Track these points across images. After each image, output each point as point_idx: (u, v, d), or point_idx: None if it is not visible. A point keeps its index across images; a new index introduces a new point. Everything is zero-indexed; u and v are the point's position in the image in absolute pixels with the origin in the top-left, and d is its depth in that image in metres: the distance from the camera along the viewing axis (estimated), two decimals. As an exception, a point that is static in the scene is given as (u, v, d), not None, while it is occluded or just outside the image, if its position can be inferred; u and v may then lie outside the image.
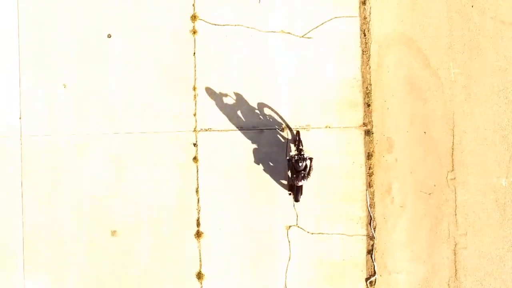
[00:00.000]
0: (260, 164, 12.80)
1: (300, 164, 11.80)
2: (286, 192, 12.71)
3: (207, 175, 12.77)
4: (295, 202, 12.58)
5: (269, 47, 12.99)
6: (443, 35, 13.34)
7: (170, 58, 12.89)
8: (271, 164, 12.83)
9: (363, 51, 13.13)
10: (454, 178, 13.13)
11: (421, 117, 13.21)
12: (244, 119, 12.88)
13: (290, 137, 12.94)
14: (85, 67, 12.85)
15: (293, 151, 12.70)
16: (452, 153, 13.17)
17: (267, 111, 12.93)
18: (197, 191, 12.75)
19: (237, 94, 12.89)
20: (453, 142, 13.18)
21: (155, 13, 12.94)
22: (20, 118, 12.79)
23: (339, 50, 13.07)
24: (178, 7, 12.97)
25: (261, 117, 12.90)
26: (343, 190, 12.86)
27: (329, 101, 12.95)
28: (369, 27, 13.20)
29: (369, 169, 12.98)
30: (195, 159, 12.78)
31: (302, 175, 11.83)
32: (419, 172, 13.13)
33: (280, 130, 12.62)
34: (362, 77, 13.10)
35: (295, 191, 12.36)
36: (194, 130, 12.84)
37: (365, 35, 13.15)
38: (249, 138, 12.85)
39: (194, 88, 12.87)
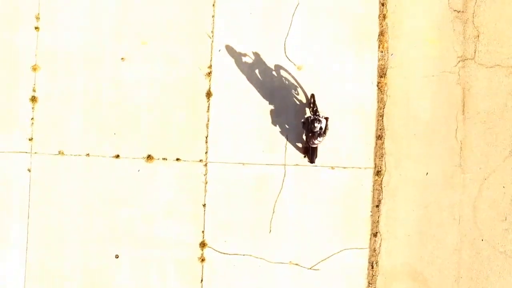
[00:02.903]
0: None
1: (316, 124, 11.77)
2: None
3: None
4: (310, 164, 12.70)
5: (275, 278, 13.01)
6: (450, 268, 13.37)
7: (177, 284, 12.90)
8: None
9: (369, 283, 13.18)
10: None
11: None
12: None
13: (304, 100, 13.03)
14: (91, 286, 12.86)
15: (308, 113, 12.77)
16: None
17: (269, 337, 13.12)
18: None
19: (241, 322, 13.04)
20: None
21: (163, 232, 12.86)
22: (24, 334, 12.92)
23: (345, 282, 13.11)
24: (187, 233, 12.88)
25: None
26: None
27: (331, 333, 13.14)
28: (378, 260, 13.19)
29: None
30: None
31: (318, 133, 11.80)
32: None
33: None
34: (366, 310, 13.23)
35: (310, 153, 12.52)
36: None
37: (372, 268, 13.16)
38: None
39: (200, 317, 12.99)
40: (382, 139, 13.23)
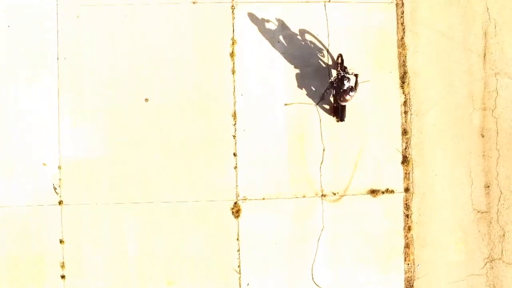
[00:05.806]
0: None
1: (345, 82, 11.85)
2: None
3: None
4: (340, 122, 12.80)
5: None
6: None
7: None
8: None
9: None
10: None
11: None
12: None
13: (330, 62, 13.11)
14: None
15: (335, 73, 12.71)
16: None
17: None
18: None
19: None
20: None
21: None
22: None
23: None
24: None
25: None
26: None
27: None
28: None
29: None
30: None
31: (350, 88, 11.76)
32: None
33: None
34: None
35: (340, 111, 12.61)
36: None
37: None
38: None
39: None
40: None
